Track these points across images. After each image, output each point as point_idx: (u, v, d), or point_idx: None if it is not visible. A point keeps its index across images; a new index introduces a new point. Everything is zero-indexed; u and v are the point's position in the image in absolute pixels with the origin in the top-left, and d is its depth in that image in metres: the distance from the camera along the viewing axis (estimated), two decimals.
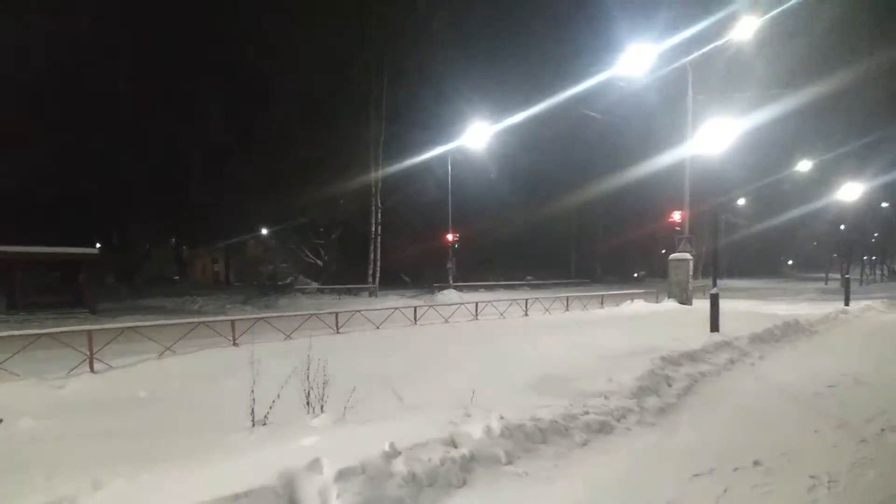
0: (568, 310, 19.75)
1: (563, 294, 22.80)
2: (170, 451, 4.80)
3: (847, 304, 20.17)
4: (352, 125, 32.35)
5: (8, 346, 8.98)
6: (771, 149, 39.60)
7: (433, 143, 31.80)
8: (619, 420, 5.99)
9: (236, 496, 3.51)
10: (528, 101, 30.06)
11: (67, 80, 29.61)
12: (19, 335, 9.67)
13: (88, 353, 9.07)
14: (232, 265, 51.97)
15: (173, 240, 50.55)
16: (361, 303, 26.16)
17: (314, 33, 30.33)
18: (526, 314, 18.17)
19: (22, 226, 28.13)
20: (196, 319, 12.84)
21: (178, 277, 50.27)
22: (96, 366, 9.03)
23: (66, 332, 9.77)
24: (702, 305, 15.96)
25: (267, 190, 32.50)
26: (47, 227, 31.18)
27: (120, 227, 43.09)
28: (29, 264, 20.92)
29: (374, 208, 33.12)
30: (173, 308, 23.56)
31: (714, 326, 11.97)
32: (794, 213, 47.21)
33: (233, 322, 11.70)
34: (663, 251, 41.64)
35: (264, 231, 41.96)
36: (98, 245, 33.28)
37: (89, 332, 9.37)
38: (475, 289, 37.43)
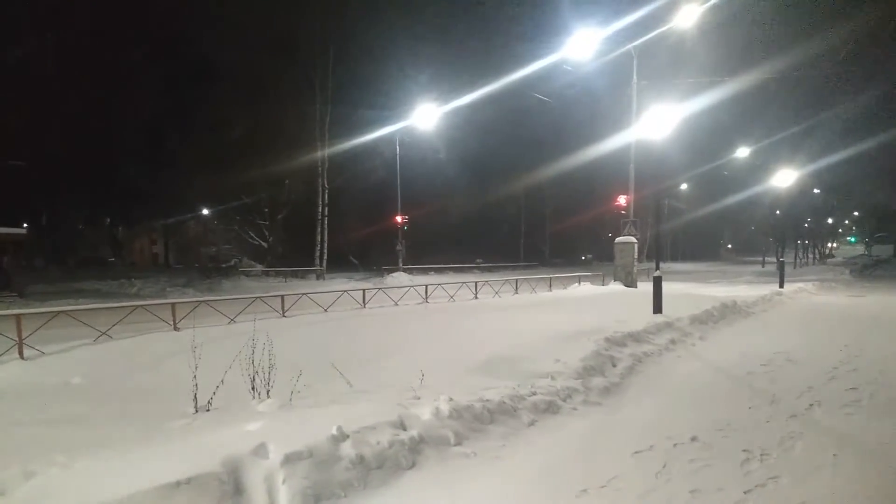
0: (517, 292, 19.99)
1: (512, 277, 23.07)
2: (107, 438, 4.60)
3: (782, 286, 21.12)
4: (297, 104, 31.65)
5: None
6: (712, 135, 40.99)
7: (381, 122, 31.45)
8: (565, 400, 6.11)
9: (178, 483, 3.40)
10: (476, 83, 30.07)
11: None
12: None
13: (17, 338, 8.61)
14: (171, 246, 50.25)
15: (108, 219, 48.33)
16: (308, 285, 25.83)
17: (256, 8, 29.41)
18: (475, 297, 18.30)
19: None
20: (134, 303, 12.36)
21: (113, 259, 48.15)
22: (26, 352, 8.59)
23: None
24: (646, 288, 16.41)
25: (208, 168, 31.42)
26: None
27: (49, 206, 40.90)
28: None
29: (320, 189, 32.57)
30: (109, 291, 22.62)
31: (657, 308, 12.34)
32: (733, 198, 49.07)
33: (173, 305, 11.33)
34: (609, 234, 42.60)
35: (206, 211, 40.68)
36: (25, 225, 31.50)
37: (17, 316, 8.90)
38: (425, 272, 37.43)
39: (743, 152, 36.59)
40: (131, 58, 32.83)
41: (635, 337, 9.37)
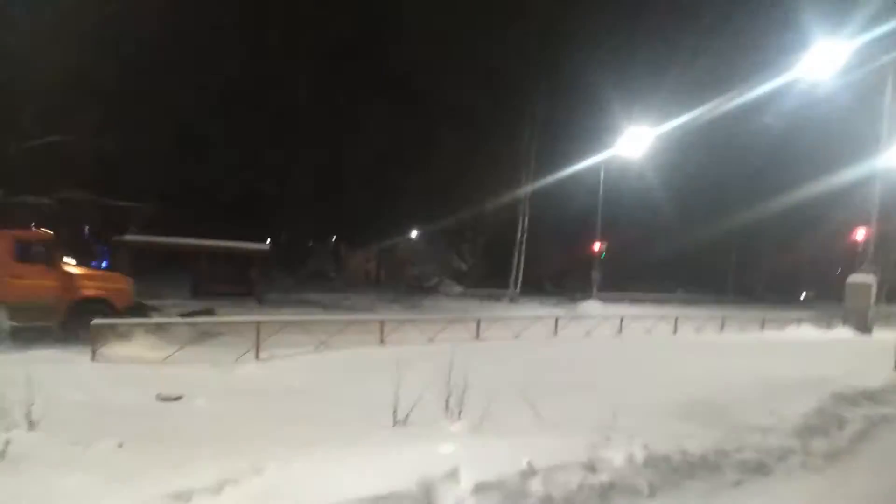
0: (722, 330, 18.39)
1: (718, 313, 21.25)
2: (319, 439, 5.17)
3: None
4: (506, 136, 33.09)
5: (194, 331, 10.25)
6: None
7: (586, 151, 31.18)
8: (778, 461, 5.43)
9: (378, 498, 3.67)
10: (691, 105, 27.99)
11: (249, 91, 33.14)
12: (202, 322, 11.02)
13: (255, 342, 10.06)
14: (383, 264, 54.64)
15: (333, 238, 54.16)
16: (502, 308, 26.39)
17: (475, 49, 31.46)
18: (675, 332, 17.19)
19: (205, 221, 31.79)
20: (348, 317, 13.77)
21: (334, 274, 53.73)
22: (261, 354, 9.99)
23: (239, 322, 10.94)
24: (884, 336, 14.10)
25: (420, 196, 34.12)
26: (225, 223, 34.92)
27: (289, 225, 46.97)
28: (212, 256, 23.82)
29: (521, 216, 33.38)
30: (328, 303, 25.24)
31: None
32: None
33: (381, 323, 12.40)
34: (839, 271, 37.30)
35: (414, 234, 43.69)
36: (269, 240, 36.60)
37: (257, 323, 10.40)
38: (620, 300, 35.97)
39: None
40: (362, 96, 36.96)
41: (870, 395, 8.03)
